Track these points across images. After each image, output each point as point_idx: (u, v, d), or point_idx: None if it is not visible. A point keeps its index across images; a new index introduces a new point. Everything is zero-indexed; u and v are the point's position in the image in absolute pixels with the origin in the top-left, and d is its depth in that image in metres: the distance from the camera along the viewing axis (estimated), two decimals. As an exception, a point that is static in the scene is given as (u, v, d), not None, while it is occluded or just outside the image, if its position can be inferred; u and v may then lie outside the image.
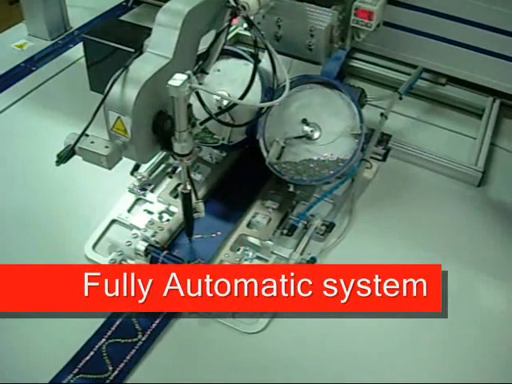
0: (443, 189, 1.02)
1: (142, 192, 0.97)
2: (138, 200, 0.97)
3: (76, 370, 0.75)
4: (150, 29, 0.74)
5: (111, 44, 0.81)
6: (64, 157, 0.69)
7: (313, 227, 0.91)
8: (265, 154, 0.90)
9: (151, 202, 0.96)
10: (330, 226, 0.92)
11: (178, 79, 0.66)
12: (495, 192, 1.03)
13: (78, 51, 1.29)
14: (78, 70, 1.25)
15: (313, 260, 0.87)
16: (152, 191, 0.97)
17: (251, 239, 0.90)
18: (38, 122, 1.12)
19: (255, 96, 0.88)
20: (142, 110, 0.70)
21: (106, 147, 0.70)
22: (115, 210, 0.95)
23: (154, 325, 0.80)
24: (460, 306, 0.82)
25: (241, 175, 0.99)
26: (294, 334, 0.81)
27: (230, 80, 0.91)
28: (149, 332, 0.79)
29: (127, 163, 0.82)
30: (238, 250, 0.89)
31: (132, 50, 0.73)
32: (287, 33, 0.88)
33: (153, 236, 0.88)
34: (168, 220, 0.92)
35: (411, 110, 1.16)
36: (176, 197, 0.95)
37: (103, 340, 0.78)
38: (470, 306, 0.85)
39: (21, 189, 0.99)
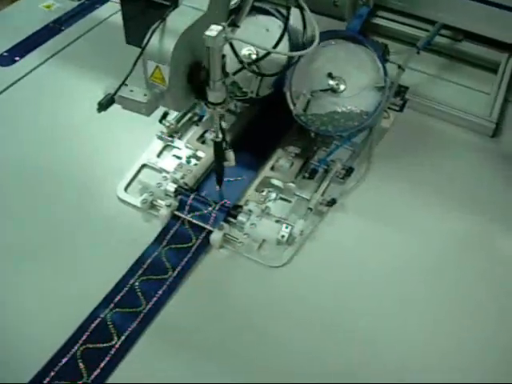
0: (458, 139, 1.06)
1: (170, 139, 1.01)
2: (166, 146, 1.02)
3: (112, 305, 0.80)
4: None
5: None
6: (105, 104, 0.73)
7: (333, 171, 0.96)
8: (291, 106, 0.94)
9: (179, 148, 1.00)
10: (349, 171, 0.97)
11: (214, 30, 0.69)
12: (508, 143, 1.07)
13: (105, 11, 1.35)
14: (105, 29, 1.30)
15: (333, 201, 0.92)
16: (179, 138, 1.02)
17: (275, 181, 0.95)
18: (67, 79, 1.17)
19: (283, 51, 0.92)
20: (178, 60, 0.74)
21: (145, 95, 0.75)
22: (145, 155, 1.00)
23: (183, 262, 0.86)
24: (476, 252, 0.88)
25: (264, 125, 1.04)
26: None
27: (259, 35, 0.93)
28: (179, 269, 0.85)
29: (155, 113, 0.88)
30: (263, 191, 0.94)
31: (167, 3, 0.77)
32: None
33: (182, 178, 0.93)
34: (195, 164, 0.97)
35: (428, 65, 1.20)
36: (203, 143, 1.00)
37: (136, 277, 0.83)
38: (486, 252, 0.89)
39: (54, 142, 1.03)
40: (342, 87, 0.93)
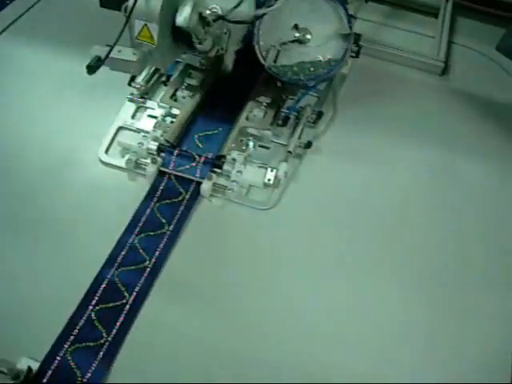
0: (412, 79, 1.14)
1: (142, 100, 1.03)
2: (138, 108, 1.03)
3: (116, 265, 0.82)
4: None
5: None
6: (94, 66, 0.74)
7: (305, 116, 1.01)
8: (261, 59, 0.97)
9: (152, 108, 1.02)
10: (319, 115, 1.02)
11: None
12: (457, 80, 1.16)
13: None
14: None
15: (309, 143, 0.97)
16: (150, 99, 1.04)
17: (251, 130, 0.98)
18: (28, 51, 1.14)
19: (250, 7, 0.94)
20: (165, 17, 0.77)
21: (134, 54, 0.76)
22: (119, 118, 1.01)
23: (177, 215, 0.88)
24: (443, 178, 0.97)
25: (234, 78, 1.06)
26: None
27: None
28: (174, 222, 0.87)
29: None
30: (242, 141, 0.97)
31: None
32: None
33: (161, 136, 0.95)
34: (172, 122, 0.99)
35: (375, 14, 1.27)
36: (176, 100, 1.02)
37: (134, 235, 0.85)
38: (452, 178, 0.98)
39: (23, 117, 1.02)
40: (308, 37, 0.96)
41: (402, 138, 1.02)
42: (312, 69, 0.96)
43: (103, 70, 0.76)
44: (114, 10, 0.86)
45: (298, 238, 0.87)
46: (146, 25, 0.75)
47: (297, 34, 0.97)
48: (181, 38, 0.80)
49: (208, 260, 0.84)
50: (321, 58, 0.96)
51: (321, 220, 0.90)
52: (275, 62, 0.97)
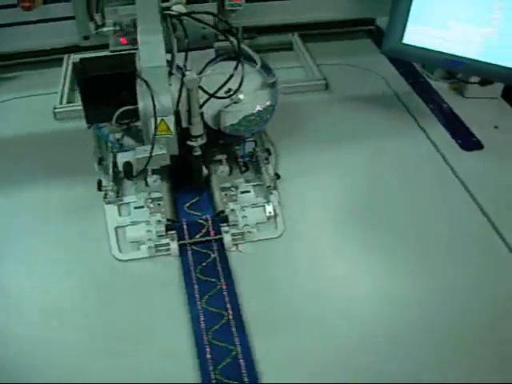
0: (311, 99, 1.39)
1: (118, 198, 1.11)
2: (120, 206, 1.11)
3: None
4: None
5: (112, 73, 0.93)
6: (130, 171, 0.85)
7: (260, 157, 1.18)
8: (214, 127, 1.09)
9: (134, 201, 1.11)
10: (268, 151, 1.20)
11: (191, 75, 0.88)
12: (336, 91, 1.43)
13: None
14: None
15: (277, 175, 1.15)
16: (124, 195, 1.12)
17: (227, 184, 1.13)
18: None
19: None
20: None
21: (161, 147, 0.88)
22: (110, 221, 1.08)
23: (220, 272, 0.99)
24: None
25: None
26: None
27: None
28: (222, 278, 0.98)
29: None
30: (226, 194, 1.12)
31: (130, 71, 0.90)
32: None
33: (163, 217, 1.06)
34: (159, 204, 1.09)
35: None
36: (149, 186, 1.12)
37: (198, 303, 0.95)
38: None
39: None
40: (241, 96, 1.10)
41: (329, 144, 1.26)
42: (258, 118, 1.13)
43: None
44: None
45: (317, 241, 1.06)
46: (162, 119, 0.87)
47: (232, 96, 1.10)
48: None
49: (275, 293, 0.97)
50: (259, 108, 1.13)
51: (323, 221, 1.10)
52: (226, 124, 1.11)
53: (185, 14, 1.00)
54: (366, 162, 1.22)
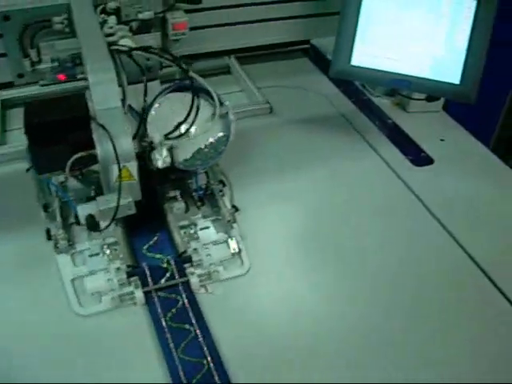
0: (257, 124, 1.36)
1: (70, 246, 1.04)
2: (73, 255, 1.04)
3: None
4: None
5: (63, 117, 0.86)
6: (96, 223, 0.79)
7: (216, 189, 1.14)
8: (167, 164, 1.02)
9: (88, 248, 1.04)
10: (222, 182, 1.17)
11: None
12: (279, 115, 1.41)
13: None
14: None
15: (235, 207, 1.11)
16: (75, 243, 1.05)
17: (185, 222, 1.09)
18: None
19: None
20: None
21: (125, 197, 0.83)
22: (65, 272, 1.00)
23: (192, 318, 0.95)
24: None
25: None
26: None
27: None
28: (194, 322, 0.94)
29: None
30: (185, 233, 1.07)
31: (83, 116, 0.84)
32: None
33: (122, 264, 1.00)
34: (116, 249, 1.03)
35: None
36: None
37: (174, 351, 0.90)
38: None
39: None
40: (193, 129, 1.05)
41: (281, 170, 1.24)
42: (212, 150, 1.08)
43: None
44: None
45: (284, 274, 1.03)
46: (124, 166, 0.81)
47: (182, 129, 1.05)
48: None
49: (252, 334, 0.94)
50: (212, 140, 1.08)
51: (286, 252, 1.08)
52: (179, 160, 1.05)
53: (136, 49, 0.94)
54: (320, 185, 1.21)
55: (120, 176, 0.82)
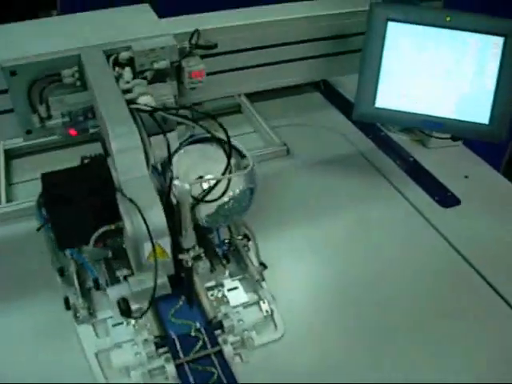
0: (275, 168, 1.30)
1: (91, 315, 0.97)
2: (94, 325, 0.97)
3: None
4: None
5: (86, 189, 0.80)
6: (127, 307, 0.73)
7: (240, 245, 1.08)
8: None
9: (111, 316, 0.98)
10: (246, 236, 1.10)
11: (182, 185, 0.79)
12: (298, 156, 1.35)
13: None
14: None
15: (264, 264, 1.05)
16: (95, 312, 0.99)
17: (211, 283, 1.02)
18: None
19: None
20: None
21: (160, 275, 0.76)
22: (87, 346, 0.94)
23: None
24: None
25: None
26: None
27: None
28: None
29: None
30: (212, 295, 1.01)
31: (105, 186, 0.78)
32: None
33: (149, 335, 0.93)
34: (140, 316, 0.96)
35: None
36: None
37: None
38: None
39: None
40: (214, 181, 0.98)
41: (306, 218, 1.18)
42: (236, 204, 1.01)
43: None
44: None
45: (321, 337, 0.97)
46: (157, 242, 0.75)
47: (204, 185, 0.96)
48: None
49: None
50: (237, 193, 1.00)
51: (322, 312, 1.02)
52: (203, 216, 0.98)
53: (158, 110, 0.88)
54: (349, 233, 1.16)
55: (154, 255, 0.76)
